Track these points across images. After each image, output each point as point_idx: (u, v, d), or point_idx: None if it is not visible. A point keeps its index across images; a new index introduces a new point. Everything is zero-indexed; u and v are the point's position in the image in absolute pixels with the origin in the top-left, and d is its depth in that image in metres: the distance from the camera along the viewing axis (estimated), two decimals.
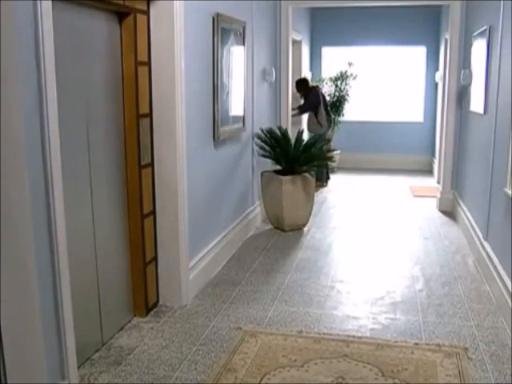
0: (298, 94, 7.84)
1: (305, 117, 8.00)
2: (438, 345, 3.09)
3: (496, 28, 4.18)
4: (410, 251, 4.88)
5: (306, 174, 5.45)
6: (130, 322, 3.38)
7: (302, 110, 7.64)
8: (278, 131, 5.63)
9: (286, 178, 5.30)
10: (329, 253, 4.85)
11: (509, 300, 3.32)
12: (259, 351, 3.03)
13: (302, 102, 7.74)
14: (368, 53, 9.27)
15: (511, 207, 3.41)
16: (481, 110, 4.65)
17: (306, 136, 6.73)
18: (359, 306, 3.67)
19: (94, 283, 2.99)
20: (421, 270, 4.35)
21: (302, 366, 2.86)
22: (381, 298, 3.81)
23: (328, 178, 8.01)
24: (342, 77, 8.78)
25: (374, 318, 3.47)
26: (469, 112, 5.39)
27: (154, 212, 3.52)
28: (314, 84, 8.17)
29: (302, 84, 7.70)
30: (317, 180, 7.30)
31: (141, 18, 3.25)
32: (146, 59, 3.32)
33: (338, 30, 9.16)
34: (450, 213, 6.13)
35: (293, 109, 6.97)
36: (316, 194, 6.22)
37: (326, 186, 7.84)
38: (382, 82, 9.38)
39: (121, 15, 3.15)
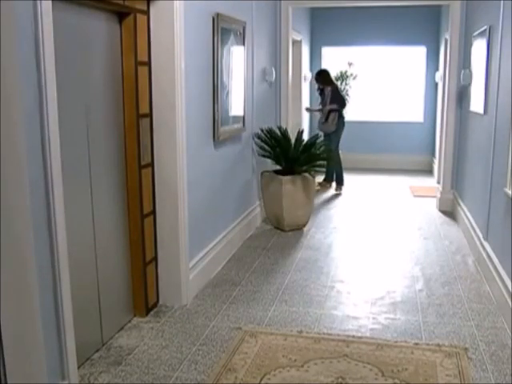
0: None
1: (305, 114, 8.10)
2: (438, 345, 3.09)
3: (496, 28, 4.18)
4: (410, 251, 4.88)
5: (306, 174, 5.45)
6: (130, 322, 3.38)
7: (340, 105, 7.43)
8: (278, 131, 5.63)
9: (286, 178, 5.30)
10: (329, 253, 4.85)
11: (509, 300, 3.32)
12: (259, 351, 3.03)
13: (325, 94, 7.50)
14: (368, 53, 9.27)
15: (511, 207, 3.41)
16: (481, 110, 4.65)
17: (305, 136, 6.71)
18: (359, 306, 3.67)
19: (94, 283, 2.99)
20: (421, 270, 4.35)
21: (302, 366, 2.86)
22: (381, 298, 3.81)
23: (341, 183, 7.53)
24: (342, 77, 8.79)
25: (374, 318, 3.47)
26: (469, 112, 5.39)
27: (154, 212, 3.52)
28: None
29: (323, 75, 7.53)
30: (325, 180, 7.23)
31: (141, 18, 3.25)
32: (146, 59, 3.32)
33: (337, 30, 9.16)
34: (450, 213, 6.13)
35: (323, 104, 7.18)
36: (316, 193, 6.22)
37: (339, 192, 7.43)
38: (381, 82, 9.38)
39: (121, 15, 3.15)
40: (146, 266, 3.45)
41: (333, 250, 4.93)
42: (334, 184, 7.60)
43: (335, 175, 7.52)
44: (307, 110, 8.55)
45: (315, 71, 7.85)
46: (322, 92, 7.61)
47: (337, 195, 7.28)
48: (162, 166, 3.48)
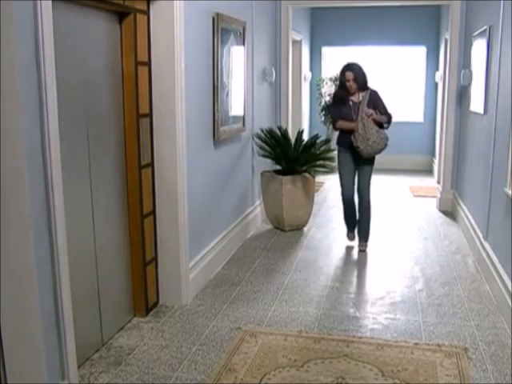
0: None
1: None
2: (438, 345, 3.09)
3: (496, 28, 4.18)
4: (410, 251, 4.88)
5: (306, 174, 5.45)
6: (130, 321, 3.38)
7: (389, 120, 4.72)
8: (278, 131, 5.63)
9: (286, 178, 5.30)
10: (329, 253, 4.84)
11: (509, 300, 3.32)
12: (259, 351, 3.03)
13: (354, 102, 4.68)
14: (368, 53, 9.26)
15: (511, 207, 3.41)
16: (481, 110, 4.65)
17: (305, 136, 6.69)
18: (359, 306, 3.67)
19: (94, 283, 2.99)
20: (421, 270, 4.35)
21: (302, 366, 2.86)
22: (381, 298, 3.81)
23: (365, 239, 4.93)
24: None
25: (373, 318, 3.47)
26: (469, 112, 5.39)
27: (154, 212, 3.52)
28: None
29: (362, 72, 4.71)
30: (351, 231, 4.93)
31: (141, 17, 3.25)
32: (146, 59, 3.32)
33: (337, 30, 9.16)
34: (449, 213, 6.12)
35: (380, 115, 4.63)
36: (316, 193, 6.22)
37: (363, 248, 4.91)
38: (381, 82, 9.36)
39: (121, 15, 3.15)
40: (146, 265, 3.45)
41: (333, 250, 4.93)
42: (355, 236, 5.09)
43: (359, 225, 4.99)
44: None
45: (343, 65, 4.74)
46: (340, 100, 4.75)
47: (334, 193, 7.02)
48: (161, 165, 3.48)
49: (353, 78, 4.62)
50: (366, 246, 4.92)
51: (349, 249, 4.97)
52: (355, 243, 5.01)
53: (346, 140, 4.70)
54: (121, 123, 3.22)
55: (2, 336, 2.12)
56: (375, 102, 4.68)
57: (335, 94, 4.94)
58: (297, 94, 8.01)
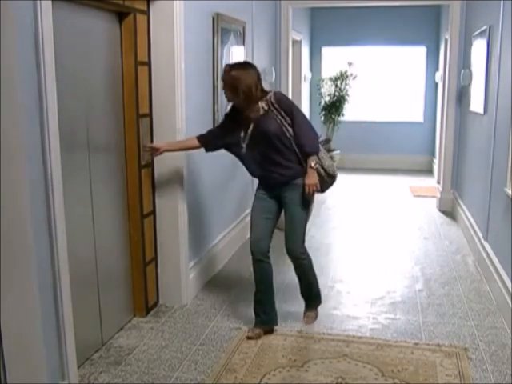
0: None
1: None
2: (438, 345, 3.09)
3: (496, 28, 4.18)
4: (410, 251, 4.88)
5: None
6: (129, 321, 3.38)
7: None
8: None
9: None
10: (329, 253, 4.84)
11: (509, 300, 3.32)
12: (259, 351, 3.03)
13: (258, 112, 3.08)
14: (368, 53, 9.27)
15: (511, 207, 3.41)
16: (481, 110, 4.65)
17: None
18: (359, 306, 3.67)
19: (94, 283, 2.99)
20: (421, 270, 4.35)
21: (302, 366, 2.86)
22: (381, 298, 3.81)
23: (313, 306, 3.41)
24: (342, 77, 8.79)
25: (374, 318, 3.47)
26: (469, 112, 5.39)
27: (153, 212, 3.52)
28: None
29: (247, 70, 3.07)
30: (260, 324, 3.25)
31: (141, 17, 3.25)
32: (146, 59, 3.32)
33: (337, 30, 9.16)
34: (449, 213, 6.12)
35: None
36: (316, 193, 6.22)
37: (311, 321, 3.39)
38: (381, 82, 9.38)
39: (121, 15, 3.15)
40: (146, 265, 3.45)
41: (333, 250, 4.93)
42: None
43: (301, 288, 3.41)
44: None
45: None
46: (232, 115, 3.29)
47: (334, 194, 7.16)
48: (161, 166, 3.48)
49: (223, 82, 3.08)
50: (314, 316, 3.38)
51: (349, 249, 4.96)
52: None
53: (266, 177, 3.16)
54: (121, 123, 3.22)
55: (1, 336, 2.11)
56: (287, 112, 3.03)
57: (231, 107, 3.31)
58: (297, 94, 8.00)
